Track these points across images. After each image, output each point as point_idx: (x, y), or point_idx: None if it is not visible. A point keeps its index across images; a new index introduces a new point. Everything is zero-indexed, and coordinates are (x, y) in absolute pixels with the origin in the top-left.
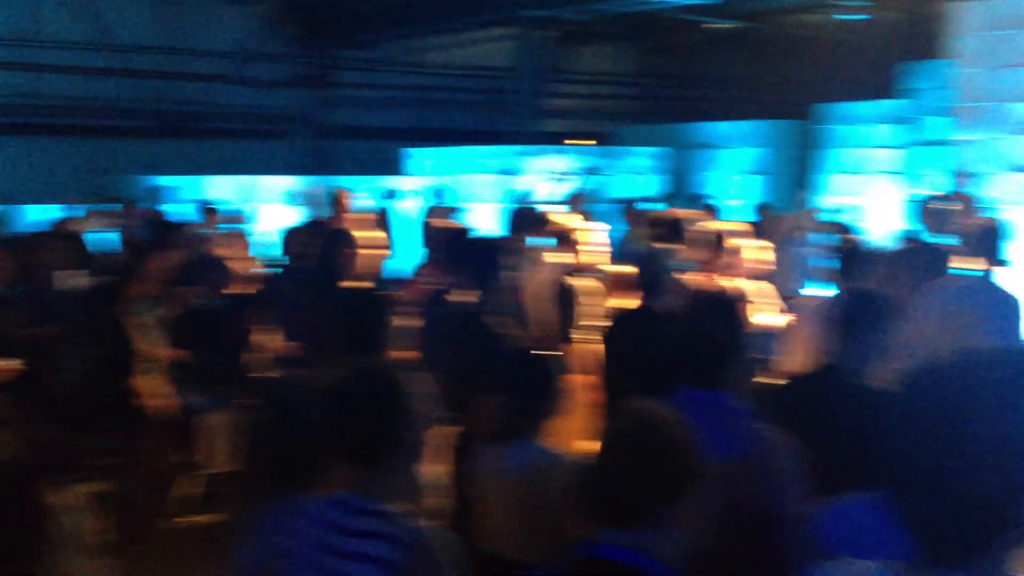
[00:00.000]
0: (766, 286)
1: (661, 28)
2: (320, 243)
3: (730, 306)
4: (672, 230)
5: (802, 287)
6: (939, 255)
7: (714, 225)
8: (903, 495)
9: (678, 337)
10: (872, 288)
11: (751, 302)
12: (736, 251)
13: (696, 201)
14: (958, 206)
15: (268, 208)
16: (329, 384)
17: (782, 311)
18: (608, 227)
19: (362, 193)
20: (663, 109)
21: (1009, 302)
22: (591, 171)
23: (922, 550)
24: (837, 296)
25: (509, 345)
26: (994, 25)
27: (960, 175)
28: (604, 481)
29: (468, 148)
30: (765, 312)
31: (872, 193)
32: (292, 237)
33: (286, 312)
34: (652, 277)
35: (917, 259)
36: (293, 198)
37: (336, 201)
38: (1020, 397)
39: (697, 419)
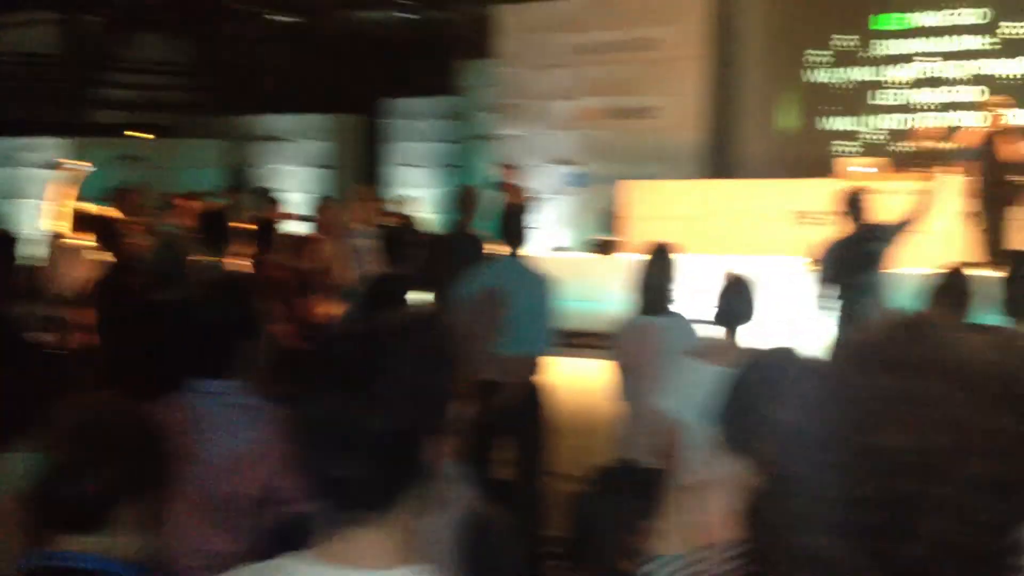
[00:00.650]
0: (322, 274)
1: (219, 18)
2: None
3: (243, 293)
4: (214, 222)
5: (360, 275)
6: (476, 240)
7: (266, 217)
8: (315, 450)
9: (185, 326)
10: (398, 271)
11: (298, 291)
12: (290, 241)
13: (259, 194)
14: (501, 195)
15: None
16: None
17: (338, 299)
18: (159, 220)
19: None
20: (225, 101)
21: (537, 279)
22: (146, 164)
23: (336, 506)
24: (369, 280)
25: (19, 344)
26: (531, 28)
27: (505, 167)
28: (57, 482)
29: (7, 141)
30: (320, 300)
31: (429, 185)
32: None
33: None
34: (173, 268)
35: (458, 244)
36: None
37: None
38: (424, 354)
39: (204, 410)
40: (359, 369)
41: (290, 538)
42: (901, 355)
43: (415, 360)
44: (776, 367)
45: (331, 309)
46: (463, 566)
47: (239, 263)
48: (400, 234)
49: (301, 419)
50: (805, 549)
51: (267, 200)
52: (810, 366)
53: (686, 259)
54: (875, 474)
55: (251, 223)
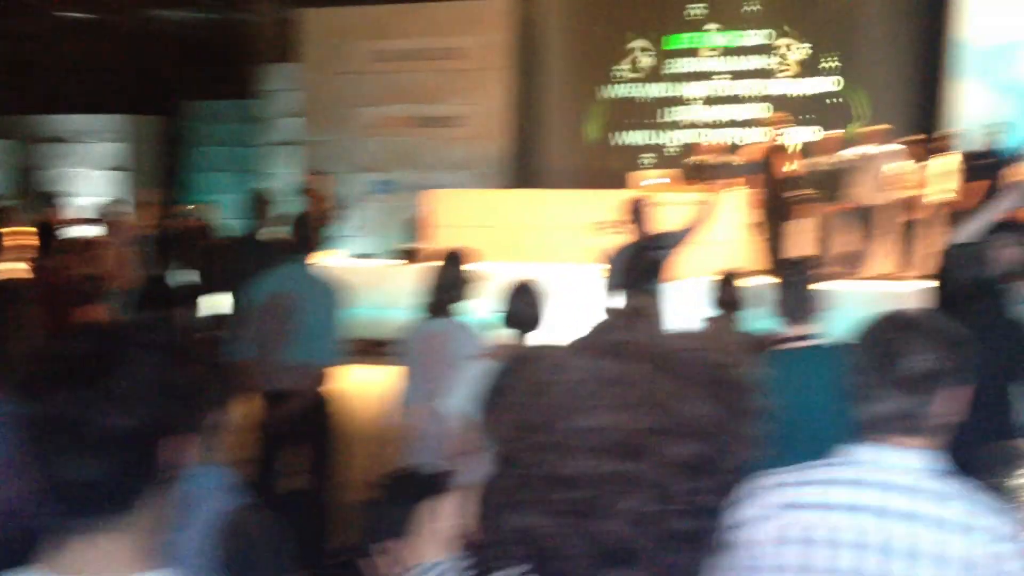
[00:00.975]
0: (104, 278)
1: (5, 11)
2: None
3: (11, 299)
4: None
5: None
6: (268, 245)
7: (47, 220)
8: (44, 450)
9: None
10: (173, 275)
11: (77, 295)
12: (74, 245)
13: (42, 197)
14: (303, 201)
15: None
16: None
17: (115, 303)
18: None
19: None
20: (9, 99)
21: (327, 286)
22: None
23: (68, 511)
24: (141, 283)
25: None
26: (334, 33)
27: (310, 173)
28: None
29: None
30: (99, 304)
31: (228, 190)
32: None
33: None
34: None
35: (249, 249)
36: None
37: None
38: (165, 352)
39: None
40: (94, 366)
41: (24, 550)
42: (615, 341)
43: (154, 358)
44: (525, 358)
45: (108, 313)
46: (215, 573)
47: (12, 267)
48: (176, 238)
49: (31, 417)
50: (517, 528)
51: (49, 204)
52: (547, 355)
53: (488, 266)
54: (581, 453)
55: (32, 227)
